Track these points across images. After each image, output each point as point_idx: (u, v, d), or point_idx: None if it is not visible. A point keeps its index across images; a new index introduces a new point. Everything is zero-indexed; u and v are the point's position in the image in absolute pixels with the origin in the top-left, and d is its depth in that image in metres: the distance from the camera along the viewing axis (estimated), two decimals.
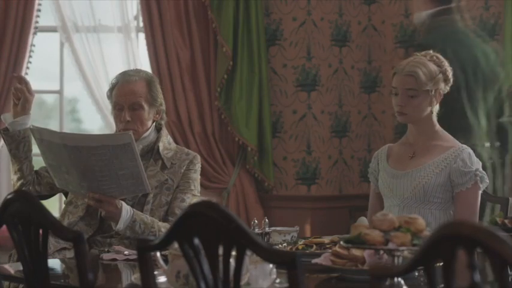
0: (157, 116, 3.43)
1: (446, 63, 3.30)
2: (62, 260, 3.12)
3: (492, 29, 5.34)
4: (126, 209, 3.21)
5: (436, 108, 3.34)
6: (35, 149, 3.32)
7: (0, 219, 2.40)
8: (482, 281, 1.61)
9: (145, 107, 3.37)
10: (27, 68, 5.54)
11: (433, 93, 3.26)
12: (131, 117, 3.35)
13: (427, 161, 3.28)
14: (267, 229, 3.06)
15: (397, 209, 3.28)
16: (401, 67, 3.28)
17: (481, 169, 3.25)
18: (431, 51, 3.35)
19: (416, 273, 2.44)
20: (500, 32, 5.30)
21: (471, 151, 3.29)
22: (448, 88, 3.32)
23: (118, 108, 3.38)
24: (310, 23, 5.72)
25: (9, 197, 2.39)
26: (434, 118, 3.33)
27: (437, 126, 3.34)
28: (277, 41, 5.75)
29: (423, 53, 3.35)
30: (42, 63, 6.01)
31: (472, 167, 3.23)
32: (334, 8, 5.76)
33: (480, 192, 3.26)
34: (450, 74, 3.31)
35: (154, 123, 3.44)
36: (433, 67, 3.27)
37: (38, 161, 3.43)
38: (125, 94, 3.36)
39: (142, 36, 5.77)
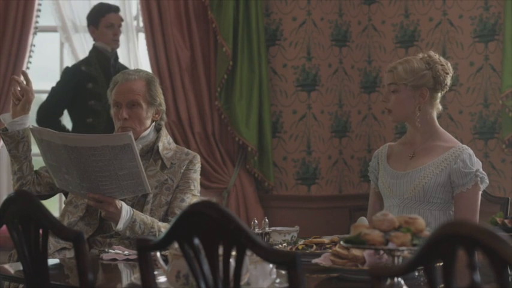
0: (156, 115, 3.43)
1: (439, 64, 3.29)
2: (62, 260, 3.12)
3: (492, 29, 5.34)
4: (126, 209, 3.21)
5: (438, 108, 3.34)
6: (35, 149, 3.32)
7: (0, 219, 2.40)
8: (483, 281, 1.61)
9: (143, 105, 3.37)
10: (27, 68, 5.54)
11: (416, 89, 3.26)
12: (129, 114, 3.35)
13: (427, 162, 3.28)
14: (267, 229, 3.06)
15: (397, 209, 3.28)
16: (388, 66, 3.34)
17: (481, 170, 3.25)
18: (431, 51, 3.36)
19: (416, 273, 2.44)
20: (500, 32, 5.30)
21: (471, 151, 3.28)
22: (441, 87, 3.30)
23: (116, 106, 3.38)
24: (310, 23, 5.72)
25: (9, 197, 2.39)
26: (433, 118, 3.32)
27: (437, 126, 3.34)
28: (277, 41, 5.75)
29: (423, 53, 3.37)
30: (42, 63, 6.02)
31: (473, 167, 3.23)
32: (334, 8, 5.76)
33: (480, 192, 3.26)
34: (443, 74, 3.29)
35: (153, 123, 3.44)
36: (418, 64, 3.28)
37: (38, 161, 3.43)
38: (124, 92, 3.37)
39: (142, 36, 5.77)
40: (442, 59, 3.33)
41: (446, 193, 3.25)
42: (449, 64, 3.34)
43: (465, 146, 3.30)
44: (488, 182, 3.27)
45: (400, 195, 3.29)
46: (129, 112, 3.36)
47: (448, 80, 3.31)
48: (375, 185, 3.45)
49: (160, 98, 3.43)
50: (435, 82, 3.28)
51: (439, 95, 3.32)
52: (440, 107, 3.35)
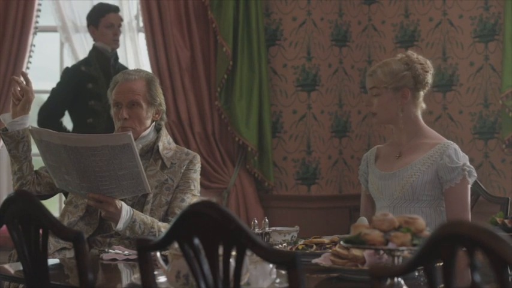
0: (156, 115, 3.43)
1: (418, 64, 3.29)
2: (62, 260, 3.12)
3: (492, 29, 5.34)
4: (126, 209, 3.21)
5: (422, 106, 3.34)
6: (35, 149, 3.32)
7: (0, 219, 2.40)
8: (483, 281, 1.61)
9: (144, 105, 3.37)
10: (27, 68, 5.54)
11: (397, 90, 3.27)
12: (129, 114, 3.35)
13: (413, 160, 3.28)
14: (267, 229, 3.06)
15: (388, 210, 3.28)
16: (368, 69, 3.36)
17: (468, 163, 3.25)
18: (409, 51, 3.37)
19: (416, 273, 2.44)
20: (500, 32, 5.30)
21: (457, 146, 3.29)
22: (422, 86, 3.31)
23: (117, 106, 3.38)
24: (310, 23, 5.72)
25: (9, 197, 2.39)
26: (417, 116, 3.33)
27: (422, 125, 3.35)
28: (277, 41, 5.75)
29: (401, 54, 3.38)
30: (42, 63, 6.02)
31: (459, 162, 3.23)
32: (334, 8, 5.76)
33: (469, 186, 3.26)
34: (423, 73, 3.29)
35: (154, 123, 3.44)
36: (397, 66, 3.28)
37: (38, 161, 3.42)
38: (124, 92, 3.37)
39: (142, 36, 5.77)
40: (420, 57, 3.33)
41: (435, 190, 3.26)
42: (428, 62, 3.34)
43: (450, 142, 3.31)
44: (476, 175, 3.27)
45: (389, 195, 3.30)
46: (129, 112, 3.36)
47: (429, 78, 3.32)
48: (366, 188, 3.46)
49: (161, 98, 3.44)
50: (416, 81, 3.29)
51: (421, 93, 3.33)
52: (424, 105, 3.35)
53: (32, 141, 3.31)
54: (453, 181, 3.22)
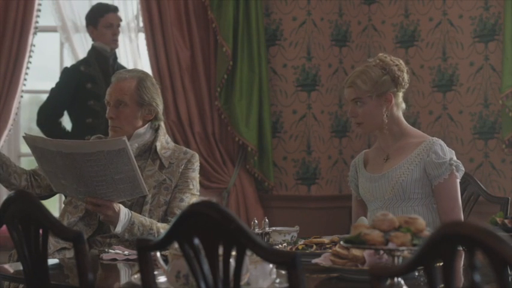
0: (148, 115, 3.40)
1: (394, 66, 3.29)
2: (62, 260, 3.12)
3: (492, 29, 5.34)
4: (124, 212, 3.20)
5: (402, 107, 3.34)
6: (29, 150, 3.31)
7: (0, 219, 2.40)
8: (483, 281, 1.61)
9: (130, 104, 3.34)
10: (27, 68, 5.54)
11: (381, 96, 3.27)
12: (116, 114, 3.34)
13: (401, 160, 3.29)
14: (267, 229, 3.06)
15: (380, 211, 3.28)
16: (345, 80, 3.35)
17: (455, 158, 3.26)
18: (381, 54, 3.36)
19: (416, 273, 2.44)
20: (500, 32, 5.30)
21: (442, 142, 3.30)
22: (402, 86, 3.31)
23: (108, 105, 3.39)
24: (310, 23, 5.72)
25: (9, 197, 2.39)
26: (399, 117, 3.33)
27: (405, 125, 3.35)
28: (277, 41, 5.75)
29: (373, 58, 3.36)
30: (42, 63, 6.01)
31: (446, 157, 3.24)
32: (334, 8, 5.76)
33: (458, 180, 3.27)
34: (400, 74, 3.29)
35: (149, 123, 3.41)
36: (375, 72, 3.28)
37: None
38: (112, 91, 3.38)
39: (142, 36, 5.77)
40: (393, 58, 3.33)
41: (425, 187, 3.27)
42: (400, 60, 3.34)
43: (435, 138, 3.32)
44: (463, 169, 3.28)
45: (381, 197, 3.31)
46: (115, 111, 3.35)
47: (405, 76, 3.32)
48: (356, 193, 3.47)
49: (153, 98, 3.38)
50: (395, 83, 3.29)
51: (401, 94, 3.33)
52: (404, 105, 3.35)
53: (25, 145, 3.30)
54: (441, 176, 3.24)
